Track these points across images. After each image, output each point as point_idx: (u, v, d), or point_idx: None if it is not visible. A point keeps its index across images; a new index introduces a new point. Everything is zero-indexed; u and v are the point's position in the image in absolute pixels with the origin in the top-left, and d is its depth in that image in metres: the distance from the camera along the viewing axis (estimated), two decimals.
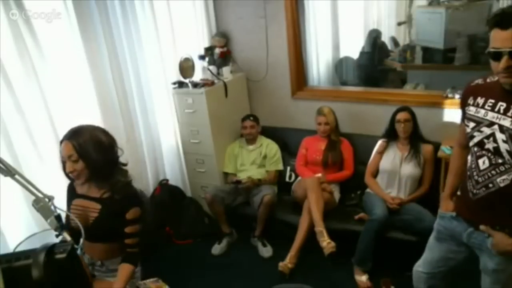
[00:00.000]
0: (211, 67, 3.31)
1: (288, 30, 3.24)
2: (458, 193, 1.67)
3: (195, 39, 3.38)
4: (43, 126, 2.26)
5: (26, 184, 1.31)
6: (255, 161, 3.22)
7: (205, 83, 3.16)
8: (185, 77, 3.17)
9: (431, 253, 1.82)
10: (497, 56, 1.28)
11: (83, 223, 1.53)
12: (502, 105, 1.39)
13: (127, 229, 1.76)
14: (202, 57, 3.35)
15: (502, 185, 1.41)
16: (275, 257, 2.84)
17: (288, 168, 3.28)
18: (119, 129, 2.78)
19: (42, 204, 1.34)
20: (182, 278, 2.80)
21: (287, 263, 2.63)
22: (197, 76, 3.29)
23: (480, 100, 1.47)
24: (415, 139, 2.69)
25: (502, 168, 1.40)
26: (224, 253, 3.05)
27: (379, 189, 2.72)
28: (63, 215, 1.51)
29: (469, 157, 1.56)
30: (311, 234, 2.64)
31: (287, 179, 3.29)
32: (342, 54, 3.97)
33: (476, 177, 1.48)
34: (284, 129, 3.46)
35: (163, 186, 3.21)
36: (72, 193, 1.79)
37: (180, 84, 3.20)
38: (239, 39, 3.49)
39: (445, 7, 3.59)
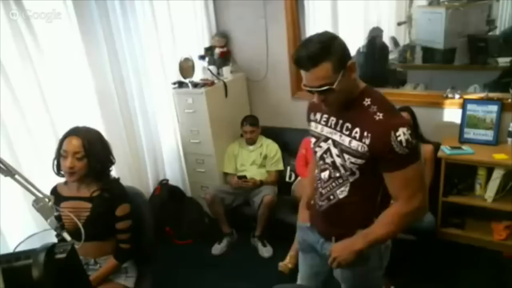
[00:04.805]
0: (211, 67, 3.31)
1: (288, 30, 3.24)
2: (312, 202, 1.65)
3: (195, 39, 3.38)
4: (43, 126, 2.25)
5: (26, 184, 1.31)
6: (255, 161, 3.22)
7: (205, 83, 3.16)
8: (185, 77, 3.17)
9: (302, 268, 1.78)
10: (310, 92, 1.34)
11: (75, 224, 1.53)
12: (333, 120, 1.42)
13: (118, 225, 1.80)
14: (202, 57, 3.35)
15: (341, 196, 1.44)
16: (275, 257, 2.84)
17: (288, 168, 3.28)
18: (119, 129, 2.78)
19: (42, 204, 1.34)
20: (182, 278, 2.80)
21: (287, 263, 2.63)
22: (197, 76, 3.29)
23: (318, 116, 1.49)
24: None
25: (340, 181, 1.43)
26: (224, 253, 3.05)
27: None
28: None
29: (316, 170, 1.57)
30: None
31: (287, 179, 3.29)
32: None
33: (320, 189, 1.51)
34: (284, 129, 3.46)
35: (163, 186, 3.21)
36: (57, 197, 1.76)
37: (180, 84, 3.20)
38: (239, 39, 3.49)
39: (445, 7, 3.60)
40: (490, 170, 2.68)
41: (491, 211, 2.74)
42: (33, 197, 1.33)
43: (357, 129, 1.33)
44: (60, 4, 2.31)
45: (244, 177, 3.08)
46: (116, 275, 1.86)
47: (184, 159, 3.38)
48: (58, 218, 1.38)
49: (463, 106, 2.80)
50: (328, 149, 1.43)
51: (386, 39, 3.95)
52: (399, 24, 3.94)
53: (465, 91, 2.98)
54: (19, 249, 1.20)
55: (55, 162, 1.76)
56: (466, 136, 2.82)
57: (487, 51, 3.50)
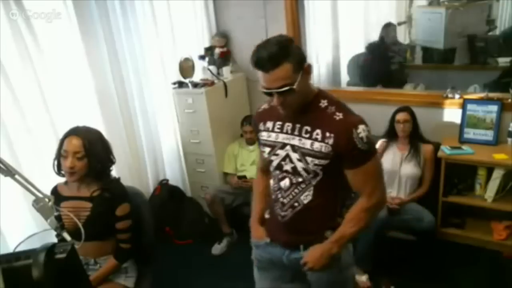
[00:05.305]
0: (211, 67, 3.31)
1: (288, 30, 3.24)
2: (267, 216, 1.62)
3: (195, 39, 3.38)
4: (43, 126, 2.25)
5: (26, 184, 1.31)
6: (255, 161, 3.21)
7: (205, 83, 3.16)
8: (185, 77, 3.17)
9: (261, 286, 1.74)
10: (269, 94, 1.34)
11: (75, 223, 1.52)
12: (288, 126, 1.43)
13: (118, 225, 1.80)
14: (202, 57, 3.35)
15: (306, 201, 1.44)
16: None
17: None
18: (119, 129, 2.78)
19: (42, 204, 1.34)
20: (182, 278, 2.80)
21: None
22: (197, 76, 3.29)
23: (269, 124, 1.49)
24: (415, 139, 2.69)
25: (303, 185, 1.43)
26: (224, 253, 3.05)
27: None
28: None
29: (271, 181, 1.55)
30: None
31: None
32: (342, 54, 3.97)
33: (282, 199, 1.48)
34: None
35: (163, 186, 3.21)
36: (57, 197, 1.76)
37: (180, 84, 3.20)
38: (239, 39, 3.49)
39: (445, 7, 3.60)
40: (490, 170, 2.68)
41: (491, 211, 2.74)
42: (33, 197, 1.34)
43: (318, 131, 1.36)
44: (60, 4, 2.31)
45: (244, 177, 3.08)
46: (116, 275, 1.86)
47: (184, 159, 3.38)
48: (58, 218, 1.38)
49: (463, 106, 2.81)
50: (287, 156, 1.42)
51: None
52: (399, 24, 3.94)
53: (465, 91, 2.98)
54: (19, 249, 1.20)
55: (56, 162, 1.76)
56: (466, 136, 2.82)
57: (487, 51, 3.50)
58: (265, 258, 1.63)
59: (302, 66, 1.31)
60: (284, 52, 1.26)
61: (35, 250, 1.00)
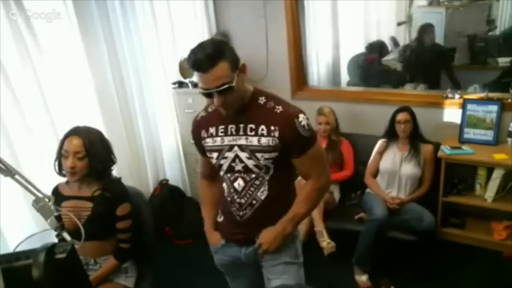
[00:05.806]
0: None
1: (288, 30, 3.24)
2: (220, 219, 1.64)
3: (195, 39, 3.37)
4: (43, 126, 2.25)
5: (26, 184, 1.31)
6: None
7: None
8: (185, 77, 3.17)
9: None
10: (209, 95, 1.36)
11: (76, 223, 1.52)
12: (232, 127, 1.45)
13: (119, 225, 1.80)
14: None
15: (263, 197, 1.48)
16: None
17: None
18: (119, 129, 2.79)
19: (42, 204, 1.34)
20: (182, 278, 2.80)
21: (328, 243, 2.58)
22: None
23: (212, 130, 1.51)
24: (415, 139, 2.69)
25: (257, 182, 1.47)
26: None
27: (379, 189, 2.72)
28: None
29: (224, 185, 1.56)
30: (311, 234, 2.64)
31: None
32: (342, 54, 3.97)
33: (238, 200, 1.50)
34: None
35: (163, 186, 3.21)
36: (58, 197, 1.76)
37: (180, 84, 3.20)
38: (239, 39, 3.48)
39: (445, 7, 3.60)
40: (490, 170, 2.68)
41: (491, 211, 2.75)
42: (33, 197, 1.33)
43: (263, 126, 1.41)
44: (60, 4, 2.31)
45: None
46: (116, 275, 1.86)
47: (184, 159, 3.38)
48: (58, 218, 1.38)
49: (463, 106, 2.81)
50: (236, 156, 1.45)
51: (386, 39, 3.95)
52: (399, 24, 3.93)
53: (465, 91, 2.98)
54: (19, 249, 1.20)
55: (57, 162, 1.76)
56: (466, 136, 2.82)
57: (487, 51, 3.50)
58: (225, 261, 1.67)
59: (237, 65, 1.36)
60: (219, 52, 1.31)
61: (35, 250, 1.00)
